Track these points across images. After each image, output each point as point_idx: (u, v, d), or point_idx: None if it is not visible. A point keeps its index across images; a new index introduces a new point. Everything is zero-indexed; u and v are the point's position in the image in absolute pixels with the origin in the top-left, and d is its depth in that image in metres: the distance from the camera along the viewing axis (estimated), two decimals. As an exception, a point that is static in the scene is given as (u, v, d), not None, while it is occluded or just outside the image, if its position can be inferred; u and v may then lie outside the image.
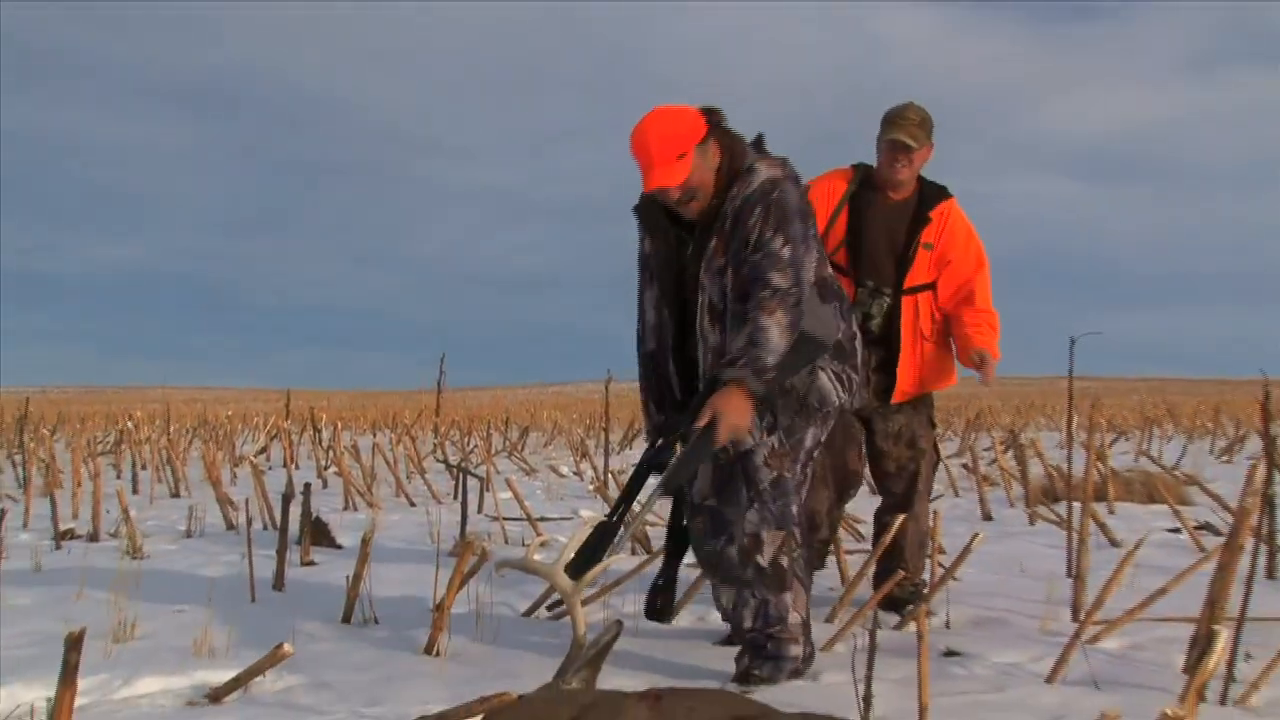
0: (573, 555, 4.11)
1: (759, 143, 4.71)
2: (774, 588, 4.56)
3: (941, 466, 7.70)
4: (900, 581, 5.45)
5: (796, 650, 4.62)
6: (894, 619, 5.54)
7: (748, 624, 4.62)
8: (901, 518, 5.67)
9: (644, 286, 4.88)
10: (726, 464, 4.55)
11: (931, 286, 5.73)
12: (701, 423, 4.29)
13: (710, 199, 4.51)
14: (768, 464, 4.56)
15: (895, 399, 5.70)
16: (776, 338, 4.34)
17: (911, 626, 5.17)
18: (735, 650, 4.72)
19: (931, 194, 5.75)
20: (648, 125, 4.47)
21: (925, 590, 5.69)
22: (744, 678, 4.58)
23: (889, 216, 5.72)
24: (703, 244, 4.56)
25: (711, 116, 4.55)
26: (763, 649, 4.60)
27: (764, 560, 4.55)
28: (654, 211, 4.70)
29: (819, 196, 5.56)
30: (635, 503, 4.56)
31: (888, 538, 5.64)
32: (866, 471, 6.07)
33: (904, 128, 5.53)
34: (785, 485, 4.59)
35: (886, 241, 5.70)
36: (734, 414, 4.29)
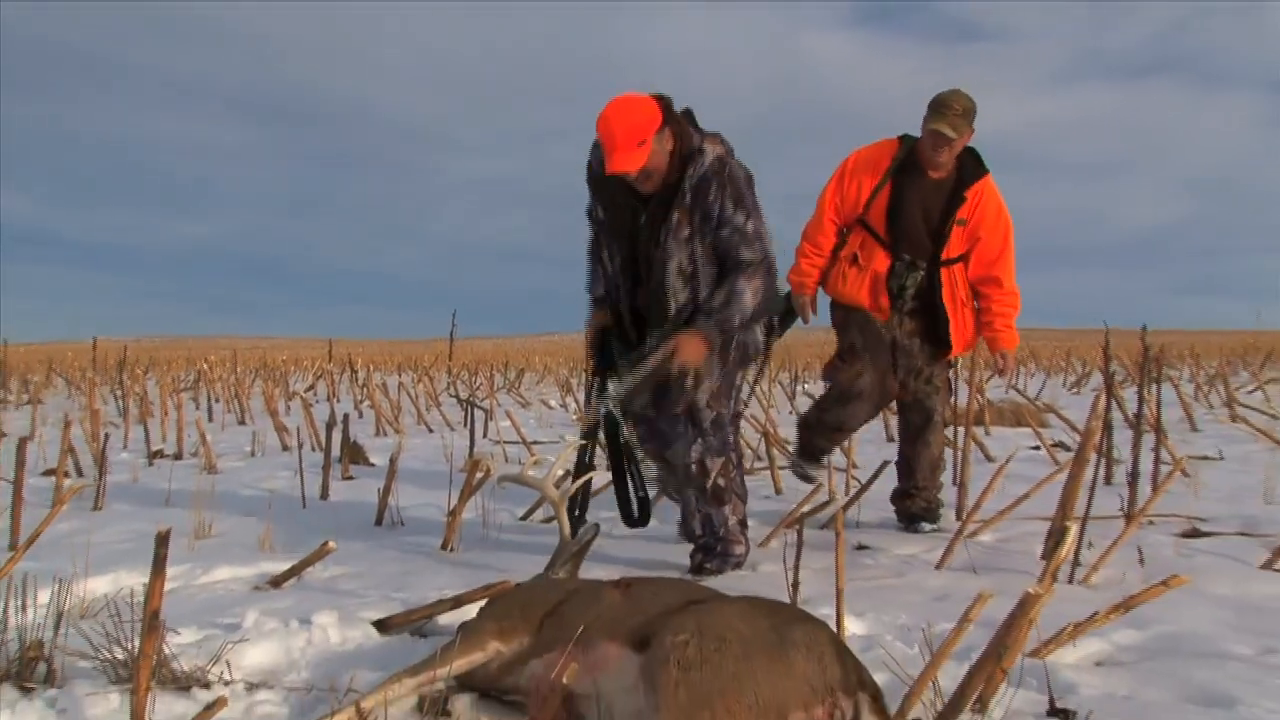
0: (560, 473, 4.10)
1: (690, 116, 4.45)
2: (714, 503, 4.58)
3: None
4: (914, 497, 5.50)
5: (740, 549, 4.64)
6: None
7: (698, 531, 4.64)
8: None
9: (597, 244, 4.62)
10: (676, 401, 4.49)
11: (964, 258, 5.21)
12: (667, 349, 4.29)
13: (665, 177, 4.32)
14: (709, 406, 4.51)
15: (955, 354, 5.37)
16: (749, 301, 4.32)
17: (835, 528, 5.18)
18: (689, 547, 4.73)
19: (969, 173, 5.14)
20: (612, 115, 4.20)
21: (938, 508, 5.56)
22: (698, 570, 4.59)
23: (927, 194, 5.14)
24: (662, 215, 4.34)
25: (663, 103, 4.31)
26: (713, 549, 4.62)
27: (708, 483, 4.56)
28: (609, 185, 4.39)
29: (864, 167, 5.19)
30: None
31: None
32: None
33: (946, 118, 4.92)
34: (722, 420, 4.56)
35: (923, 218, 5.14)
36: (691, 352, 4.27)
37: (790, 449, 5.70)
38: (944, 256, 5.16)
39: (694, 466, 4.54)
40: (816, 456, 5.64)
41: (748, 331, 4.56)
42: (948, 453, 7.49)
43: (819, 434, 5.57)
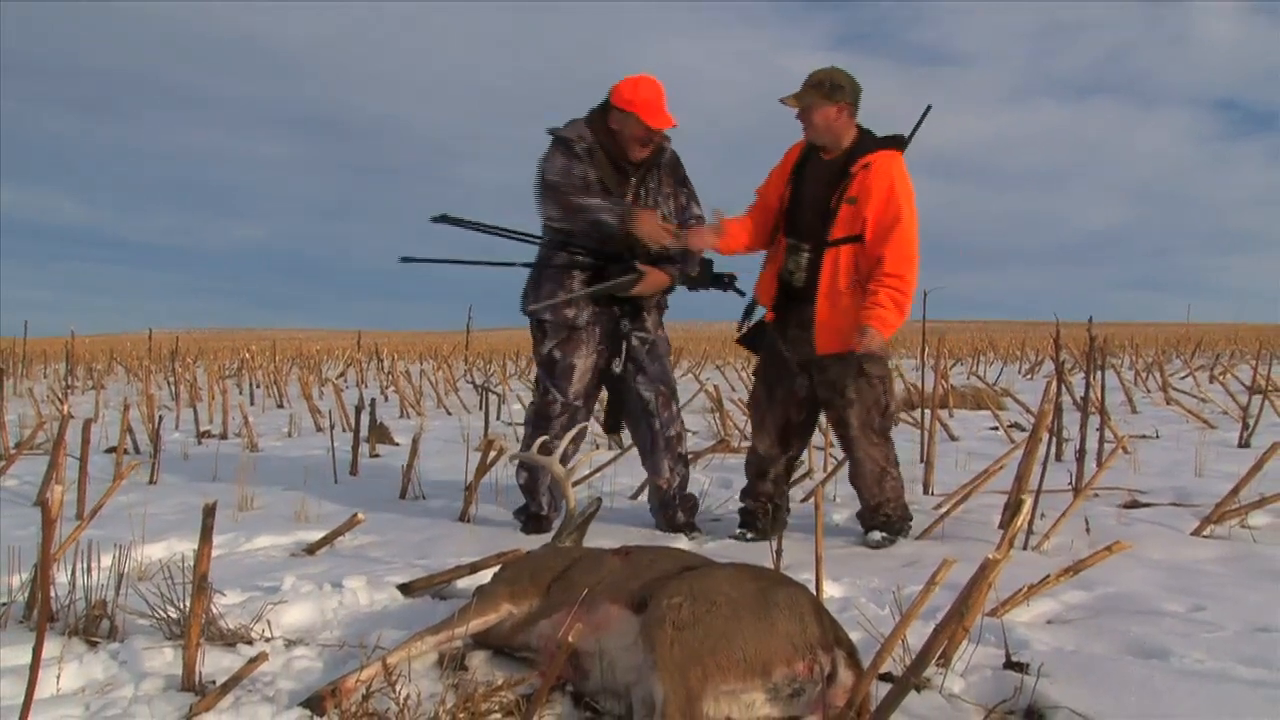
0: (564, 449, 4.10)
1: None
2: (684, 464, 4.88)
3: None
4: (871, 513, 4.59)
5: (695, 496, 4.97)
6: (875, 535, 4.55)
7: (675, 485, 4.82)
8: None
9: (586, 186, 4.61)
10: (666, 375, 4.85)
11: (858, 239, 4.37)
12: (636, 276, 4.63)
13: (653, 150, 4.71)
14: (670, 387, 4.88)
15: (818, 350, 4.47)
16: (696, 250, 4.73)
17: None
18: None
19: (860, 149, 4.43)
20: (653, 86, 4.57)
21: (899, 522, 4.61)
22: (686, 527, 4.78)
23: (820, 175, 4.49)
24: (649, 177, 4.74)
25: None
26: (686, 502, 4.85)
27: (682, 449, 4.87)
28: (601, 156, 4.63)
29: (779, 166, 4.70)
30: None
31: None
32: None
33: (800, 88, 4.40)
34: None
35: (814, 199, 4.47)
36: (654, 282, 4.69)
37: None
38: (830, 238, 4.41)
39: (674, 438, 4.81)
40: (752, 524, 4.75)
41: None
42: (916, 433, 7.51)
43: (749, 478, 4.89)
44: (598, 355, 4.76)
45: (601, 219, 4.57)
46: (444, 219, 4.58)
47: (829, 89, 4.37)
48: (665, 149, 4.78)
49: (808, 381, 4.63)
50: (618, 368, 4.75)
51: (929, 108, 4.69)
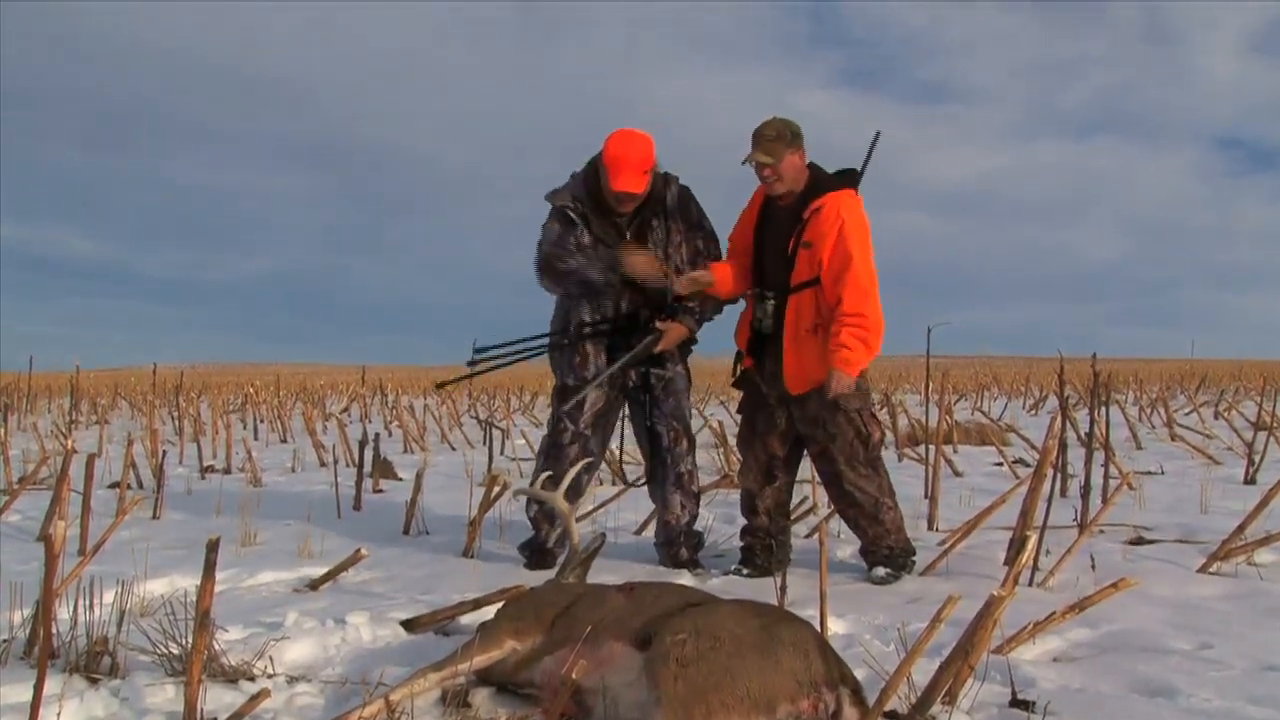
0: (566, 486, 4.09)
1: None
2: (695, 501, 4.89)
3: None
4: (872, 548, 4.57)
5: (701, 533, 4.94)
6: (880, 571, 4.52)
7: (685, 521, 4.82)
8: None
9: (576, 248, 4.57)
10: (680, 412, 4.83)
11: (816, 283, 4.40)
12: (656, 336, 4.63)
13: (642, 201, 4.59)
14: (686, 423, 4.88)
15: (791, 391, 4.52)
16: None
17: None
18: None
19: (811, 192, 4.46)
20: (624, 143, 4.45)
21: (902, 555, 4.59)
22: (689, 563, 4.76)
23: (779, 221, 4.53)
24: (649, 226, 4.64)
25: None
26: (692, 539, 4.84)
27: (694, 487, 4.87)
28: (596, 213, 4.57)
29: (746, 213, 4.71)
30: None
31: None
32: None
33: (760, 145, 4.38)
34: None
35: (775, 246, 4.52)
36: (674, 337, 4.68)
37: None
38: (793, 283, 4.46)
39: (685, 475, 4.81)
40: (750, 561, 4.75)
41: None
42: (920, 469, 7.49)
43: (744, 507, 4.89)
44: (610, 387, 4.76)
45: (588, 277, 4.56)
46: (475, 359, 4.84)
47: (791, 138, 4.42)
48: (668, 192, 4.63)
49: (786, 415, 4.65)
50: (649, 421, 4.79)
51: (878, 134, 4.62)
